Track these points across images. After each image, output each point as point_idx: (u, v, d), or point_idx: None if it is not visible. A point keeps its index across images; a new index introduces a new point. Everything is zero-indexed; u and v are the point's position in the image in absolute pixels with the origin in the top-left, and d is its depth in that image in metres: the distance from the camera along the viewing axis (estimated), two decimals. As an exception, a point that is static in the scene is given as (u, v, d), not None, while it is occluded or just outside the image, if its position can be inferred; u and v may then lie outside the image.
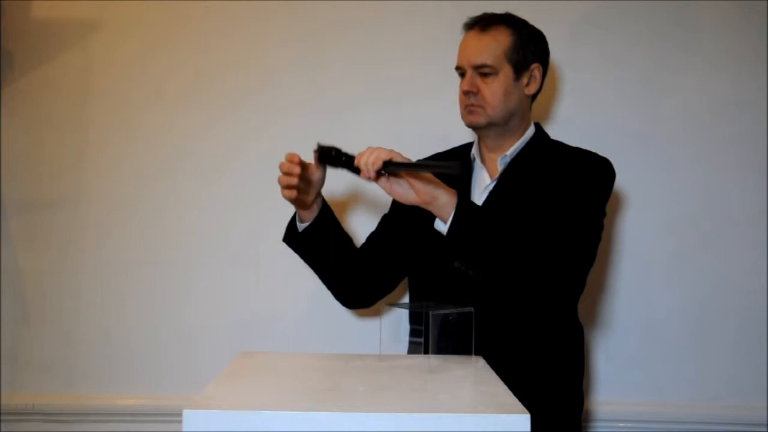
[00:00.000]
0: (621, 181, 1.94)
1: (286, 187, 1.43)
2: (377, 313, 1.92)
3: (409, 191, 1.34)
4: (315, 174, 1.46)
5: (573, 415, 1.55)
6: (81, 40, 2.00)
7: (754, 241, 1.94)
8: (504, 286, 1.41)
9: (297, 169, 1.41)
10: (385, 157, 1.31)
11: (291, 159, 1.42)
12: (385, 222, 1.70)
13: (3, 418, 1.93)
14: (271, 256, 1.96)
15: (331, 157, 1.40)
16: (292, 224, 1.58)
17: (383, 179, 1.34)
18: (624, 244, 1.95)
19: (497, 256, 1.34)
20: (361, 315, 1.98)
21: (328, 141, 1.98)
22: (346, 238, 1.64)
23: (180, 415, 0.90)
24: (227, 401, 0.97)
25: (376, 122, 1.98)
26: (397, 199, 1.36)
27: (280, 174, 1.43)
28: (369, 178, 1.34)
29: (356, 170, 1.37)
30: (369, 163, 1.32)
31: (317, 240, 1.56)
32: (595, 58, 1.98)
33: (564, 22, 1.98)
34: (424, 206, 1.35)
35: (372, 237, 1.70)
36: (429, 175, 1.34)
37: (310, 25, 2.00)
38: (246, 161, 2.00)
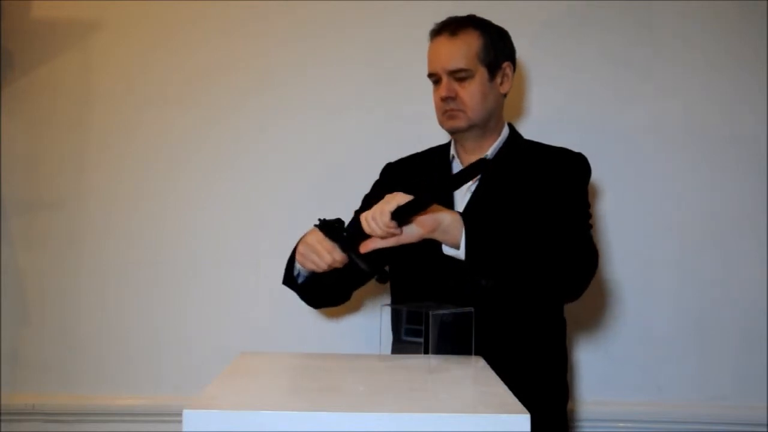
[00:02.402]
0: (621, 181, 1.95)
1: (307, 263, 1.42)
2: (377, 313, 1.92)
3: (412, 226, 1.30)
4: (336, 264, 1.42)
5: (562, 408, 1.57)
6: (81, 40, 2.00)
7: (754, 241, 1.94)
8: (529, 291, 1.41)
9: (323, 266, 1.40)
10: (391, 207, 1.26)
11: (331, 260, 1.38)
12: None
13: (3, 418, 1.93)
14: (271, 256, 1.95)
15: (333, 229, 1.35)
16: (290, 267, 1.56)
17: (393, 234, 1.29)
18: (624, 244, 1.95)
19: (519, 263, 1.33)
20: (361, 315, 1.98)
21: (327, 140, 2.00)
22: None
23: (180, 415, 0.90)
24: (227, 401, 0.96)
25: (375, 122, 1.99)
26: (404, 242, 1.31)
27: (312, 249, 1.40)
28: (382, 238, 1.29)
29: (353, 249, 1.32)
30: (378, 223, 1.27)
31: (317, 284, 1.54)
32: (594, 58, 1.98)
33: (564, 22, 1.98)
34: (429, 236, 1.31)
35: None
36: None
37: (310, 25, 2.00)
38: (246, 161, 2.00)
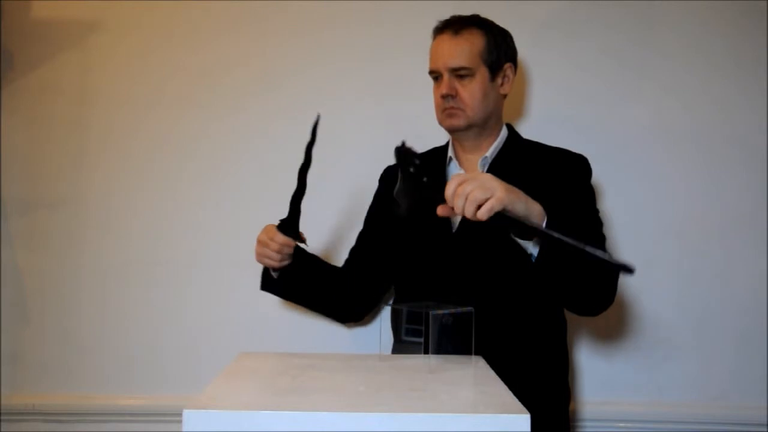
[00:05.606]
0: (621, 181, 1.95)
1: (263, 259, 1.54)
2: (377, 313, 1.92)
3: None
4: (285, 248, 1.53)
5: (563, 408, 1.58)
6: (81, 40, 2.00)
7: (754, 241, 1.94)
8: (577, 294, 1.38)
9: (276, 256, 1.52)
10: (498, 206, 1.16)
11: (278, 245, 1.51)
12: (364, 238, 1.71)
13: (3, 418, 1.93)
14: (271, 256, 1.96)
15: (409, 165, 1.22)
16: (265, 271, 1.62)
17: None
18: (624, 244, 1.95)
19: (581, 265, 1.29)
20: (361, 315, 1.98)
21: (327, 140, 1.99)
22: (324, 268, 1.67)
23: (180, 415, 0.90)
24: (227, 401, 0.97)
25: (375, 122, 1.98)
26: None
27: (259, 244, 1.53)
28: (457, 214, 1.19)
29: (427, 192, 1.21)
30: (473, 210, 1.17)
31: (294, 282, 1.59)
32: (595, 57, 1.98)
33: (564, 22, 1.98)
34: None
35: (355, 253, 1.72)
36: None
37: (310, 25, 2.00)
38: (246, 161, 2.00)
